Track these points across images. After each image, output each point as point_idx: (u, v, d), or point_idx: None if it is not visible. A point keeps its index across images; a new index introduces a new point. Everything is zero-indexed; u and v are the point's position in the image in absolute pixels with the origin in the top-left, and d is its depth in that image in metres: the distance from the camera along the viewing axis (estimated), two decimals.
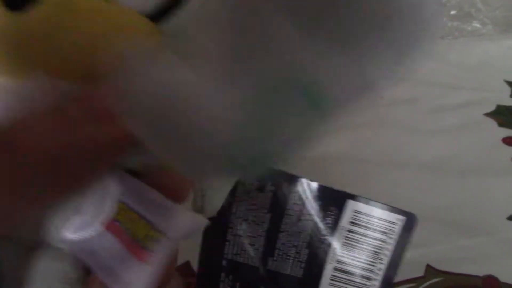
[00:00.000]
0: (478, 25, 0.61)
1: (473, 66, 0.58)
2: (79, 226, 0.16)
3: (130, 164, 0.18)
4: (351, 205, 0.36)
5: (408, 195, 0.45)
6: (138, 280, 0.17)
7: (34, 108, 0.16)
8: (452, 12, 0.62)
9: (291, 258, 0.33)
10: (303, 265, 0.30)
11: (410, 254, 0.40)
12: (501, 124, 0.50)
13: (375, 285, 0.35)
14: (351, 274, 0.34)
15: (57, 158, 0.16)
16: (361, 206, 0.36)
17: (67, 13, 0.16)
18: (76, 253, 0.17)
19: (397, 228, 0.36)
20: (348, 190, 0.45)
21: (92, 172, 0.17)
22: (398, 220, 0.36)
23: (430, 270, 0.40)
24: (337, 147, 0.48)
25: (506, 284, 0.38)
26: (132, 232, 0.17)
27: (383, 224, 0.36)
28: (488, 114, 0.52)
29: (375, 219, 0.36)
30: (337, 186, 0.45)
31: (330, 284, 0.34)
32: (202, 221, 0.20)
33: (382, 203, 0.35)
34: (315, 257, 0.33)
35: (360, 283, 0.35)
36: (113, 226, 0.17)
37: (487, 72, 0.57)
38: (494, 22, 0.62)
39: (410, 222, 0.36)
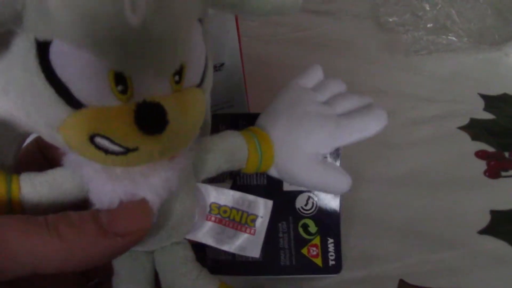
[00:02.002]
0: (453, 38, 0.62)
1: (448, 79, 0.59)
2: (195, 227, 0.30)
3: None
4: None
5: (382, 207, 0.45)
6: (250, 243, 0.31)
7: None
8: (429, 25, 0.63)
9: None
10: (265, 174, 0.34)
11: (383, 269, 0.41)
12: (474, 138, 0.51)
13: None
14: None
15: None
16: None
17: (181, 118, 0.24)
18: (200, 240, 0.30)
19: None
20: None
21: None
22: None
23: (403, 285, 0.40)
24: None
25: None
26: (232, 218, 0.30)
27: None
28: (461, 128, 0.53)
29: None
30: None
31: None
32: (269, 203, 0.31)
33: None
34: None
35: None
36: (211, 217, 0.30)
37: (461, 85, 0.58)
38: (468, 34, 0.64)
39: None
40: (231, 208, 0.30)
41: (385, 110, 0.32)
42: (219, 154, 0.30)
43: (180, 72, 0.24)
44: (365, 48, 0.64)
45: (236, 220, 0.30)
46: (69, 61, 0.22)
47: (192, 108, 0.25)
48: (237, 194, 0.30)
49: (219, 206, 0.30)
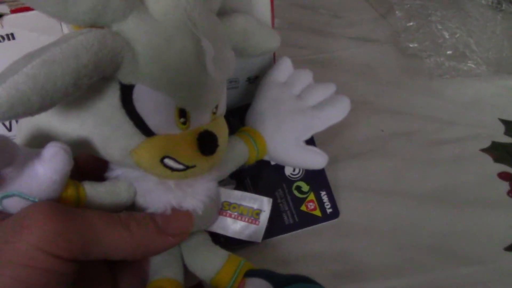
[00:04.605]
0: (472, 65, 0.64)
1: (469, 104, 0.60)
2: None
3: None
4: None
5: (408, 223, 0.46)
6: (254, 232, 0.38)
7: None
8: (448, 52, 0.65)
9: None
10: None
11: (413, 280, 0.42)
12: (496, 160, 0.53)
13: None
14: None
15: None
16: None
17: (221, 142, 0.33)
18: (214, 230, 0.38)
19: None
20: (352, 217, 0.46)
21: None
22: None
23: None
24: (341, 176, 0.50)
25: None
26: (240, 212, 0.38)
27: None
28: (483, 150, 0.54)
29: None
30: (341, 214, 0.46)
31: None
32: (269, 200, 0.39)
33: None
34: None
35: None
36: (223, 212, 0.38)
37: (482, 109, 0.60)
38: (486, 63, 0.65)
39: None
40: (239, 205, 0.38)
41: (348, 98, 0.43)
42: (230, 162, 0.38)
43: (216, 106, 0.33)
44: (387, 71, 0.66)
45: (243, 213, 0.38)
46: (147, 100, 0.28)
47: (224, 131, 0.34)
48: (244, 193, 0.38)
49: (229, 204, 0.38)
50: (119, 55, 0.26)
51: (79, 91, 0.25)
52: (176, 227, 0.32)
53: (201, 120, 0.31)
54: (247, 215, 0.38)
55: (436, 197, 0.49)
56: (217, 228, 0.38)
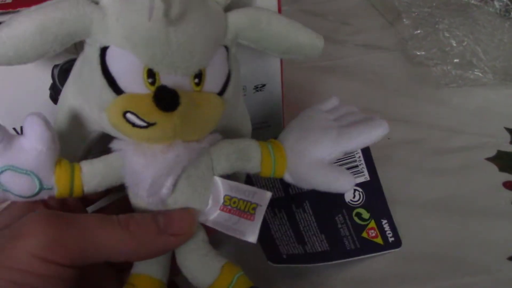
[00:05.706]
0: (479, 74, 0.64)
1: (475, 112, 0.61)
2: (208, 213, 0.34)
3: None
4: None
5: (413, 231, 0.47)
6: (249, 228, 0.33)
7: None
8: (456, 60, 0.65)
9: None
10: None
11: None
12: (501, 169, 0.53)
13: None
14: None
15: None
16: None
17: (193, 108, 0.31)
18: (210, 225, 0.34)
19: None
20: None
21: None
22: None
23: None
24: None
25: None
26: (238, 207, 0.34)
27: None
28: (489, 159, 0.54)
29: None
30: None
31: None
32: (269, 194, 0.34)
33: None
34: None
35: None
36: (224, 207, 0.34)
37: (487, 118, 0.60)
38: (493, 71, 0.66)
39: None
40: (239, 199, 0.34)
41: (386, 121, 0.35)
42: (232, 151, 0.35)
43: (200, 77, 0.32)
44: (394, 79, 0.66)
45: (241, 208, 0.34)
46: (117, 60, 0.30)
47: (206, 105, 0.32)
48: (245, 187, 0.35)
49: (230, 198, 0.34)
50: (87, 17, 0.30)
51: (47, 48, 0.30)
52: (178, 227, 0.31)
53: (175, 84, 0.30)
54: (243, 210, 0.34)
55: (441, 206, 0.49)
56: (212, 222, 0.34)
